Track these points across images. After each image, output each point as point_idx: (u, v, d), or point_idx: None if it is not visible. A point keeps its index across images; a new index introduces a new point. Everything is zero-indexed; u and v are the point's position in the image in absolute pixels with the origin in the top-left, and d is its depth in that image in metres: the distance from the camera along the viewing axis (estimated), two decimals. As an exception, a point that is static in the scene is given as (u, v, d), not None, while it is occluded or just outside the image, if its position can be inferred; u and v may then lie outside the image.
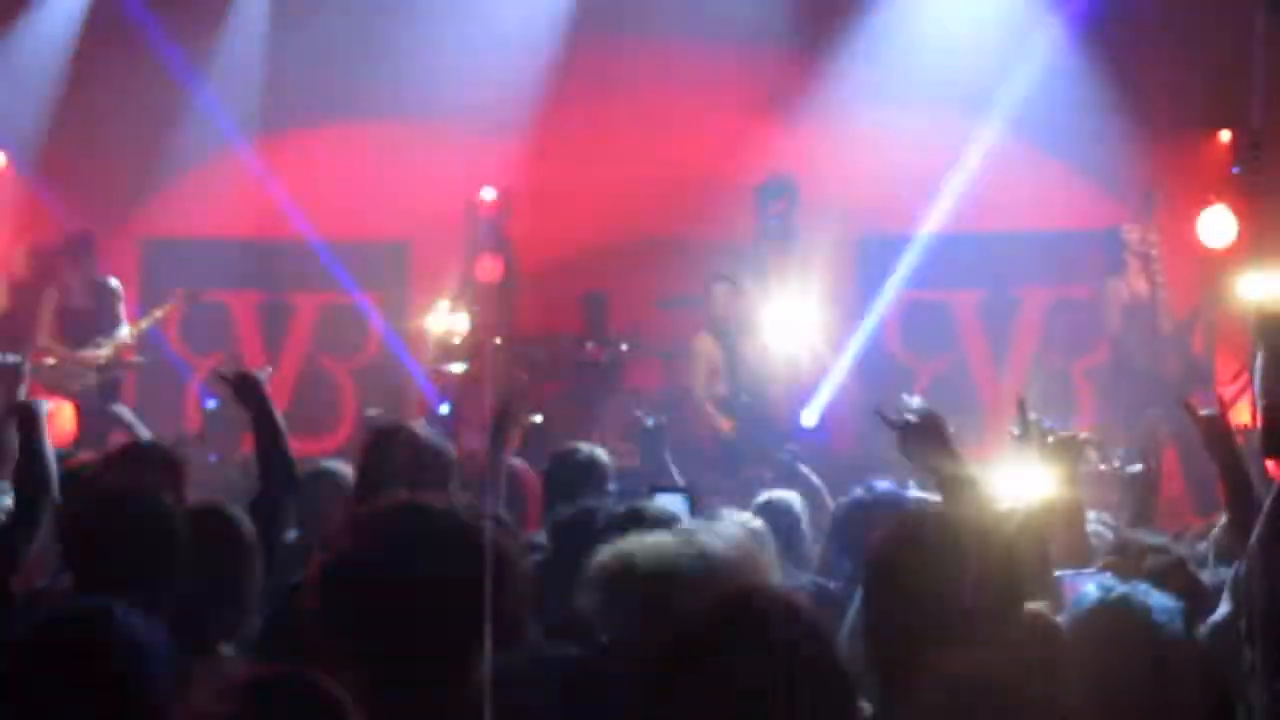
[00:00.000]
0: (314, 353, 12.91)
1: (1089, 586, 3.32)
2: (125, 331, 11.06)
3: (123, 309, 11.22)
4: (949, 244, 12.63)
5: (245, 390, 4.67)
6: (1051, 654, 2.96)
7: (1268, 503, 3.70)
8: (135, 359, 11.32)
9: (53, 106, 11.37)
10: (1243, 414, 10.64)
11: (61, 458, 5.88)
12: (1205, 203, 10.95)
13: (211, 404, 11.73)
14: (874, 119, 12.09)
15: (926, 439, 4.16)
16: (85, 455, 6.27)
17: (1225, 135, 11.08)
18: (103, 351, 10.96)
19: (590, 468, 5.59)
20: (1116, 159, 11.56)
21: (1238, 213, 10.80)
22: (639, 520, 3.87)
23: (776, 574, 4.02)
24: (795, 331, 11.64)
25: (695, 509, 4.65)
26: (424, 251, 12.98)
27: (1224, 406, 4.66)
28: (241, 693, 2.16)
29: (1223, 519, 4.84)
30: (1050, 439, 4.55)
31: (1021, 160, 11.97)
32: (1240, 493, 4.31)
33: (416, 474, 4.33)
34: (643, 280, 12.61)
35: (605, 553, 3.26)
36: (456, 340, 12.02)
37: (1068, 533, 4.34)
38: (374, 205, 12.71)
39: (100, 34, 11.74)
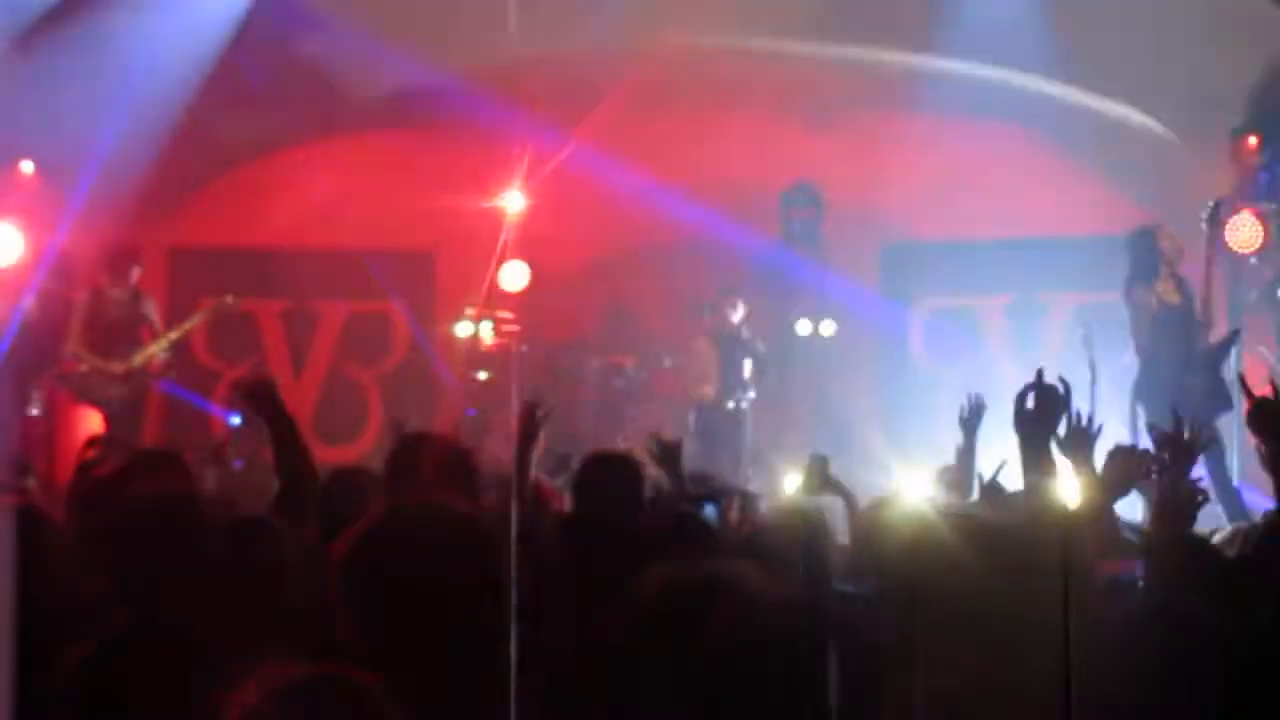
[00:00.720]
0: (339, 361, 12.95)
1: None
2: (156, 346, 11.12)
3: (155, 323, 11.29)
4: (974, 250, 12.64)
5: (258, 398, 4.58)
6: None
7: None
8: (167, 372, 11.36)
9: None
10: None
11: (87, 466, 5.92)
12: (1233, 209, 10.91)
13: (235, 420, 11.75)
14: (899, 125, 12.08)
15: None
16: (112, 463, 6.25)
17: (1253, 140, 11.02)
18: (134, 363, 11.01)
19: (623, 472, 5.56)
20: (1143, 163, 11.53)
21: (1263, 218, 10.77)
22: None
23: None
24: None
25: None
26: (449, 260, 13.01)
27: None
28: (286, 694, 2.16)
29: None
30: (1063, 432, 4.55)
31: (1048, 165, 11.95)
32: None
33: (443, 479, 4.35)
34: (668, 287, 12.63)
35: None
36: (482, 348, 12.05)
37: (1094, 526, 4.32)
38: (399, 214, 12.74)
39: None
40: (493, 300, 12.23)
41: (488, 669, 2.47)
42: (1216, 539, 4.96)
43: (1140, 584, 4.11)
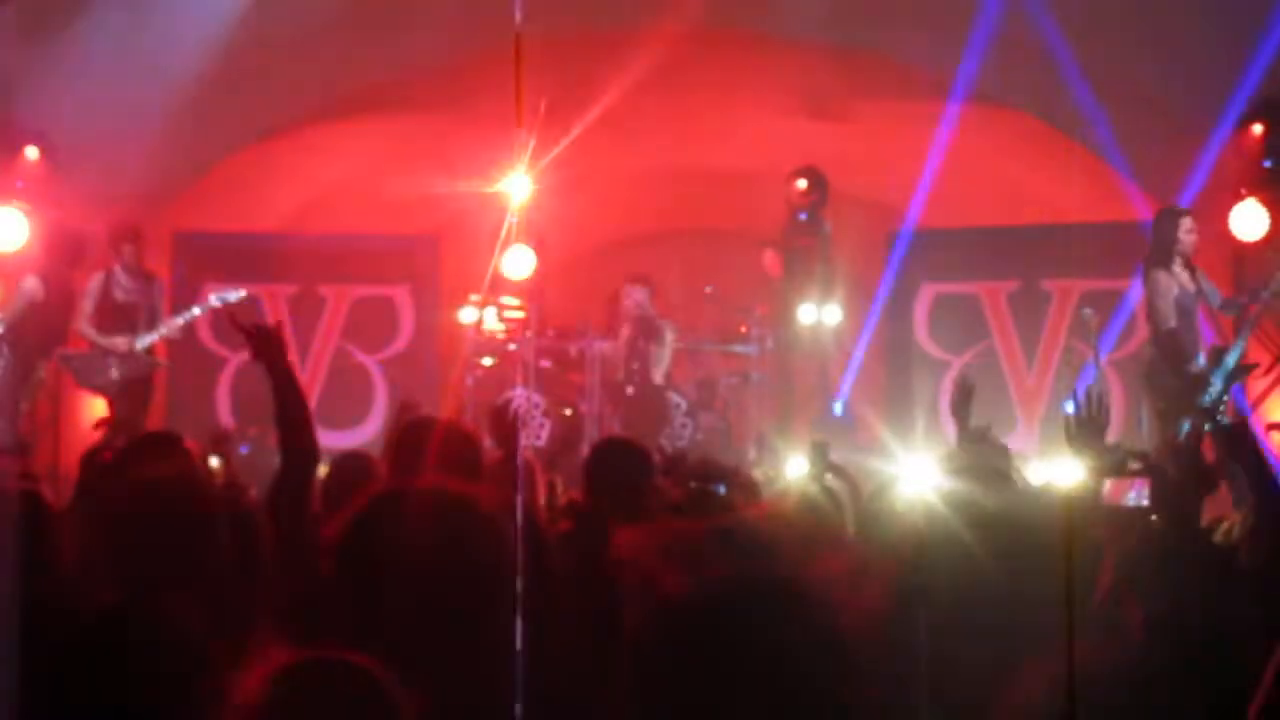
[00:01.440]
0: (344, 346, 12.95)
1: None
2: (162, 329, 11.18)
3: (163, 305, 11.37)
4: (979, 237, 12.63)
5: (263, 345, 4.22)
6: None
7: None
8: (162, 361, 11.43)
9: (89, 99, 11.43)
10: (1275, 410, 10.61)
11: (94, 451, 5.93)
12: (1238, 196, 10.90)
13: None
14: (905, 112, 12.06)
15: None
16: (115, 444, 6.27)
17: (1258, 129, 10.99)
18: (138, 344, 11.08)
19: (632, 457, 5.60)
20: (1149, 151, 11.50)
21: (1270, 206, 10.75)
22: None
23: None
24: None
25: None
26: (453, 245, 13.01)
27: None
28: (284, 677, 2.16)
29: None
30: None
31: (1053, 152, 11.92)
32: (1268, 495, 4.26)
33: (447, 463, 4.36)
34: (670, 273, 12.64)
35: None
36: (486, 333, 12.06)
37: (1096, 511, 4.35)
38: (403, 198, 12.74)
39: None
40: (498, 286, 12.24)
41: (489, 654, 2.46)
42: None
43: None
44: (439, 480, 2.75)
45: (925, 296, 12.55)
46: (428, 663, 2.39)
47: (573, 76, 12.00)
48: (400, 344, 12.88)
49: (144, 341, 11.14)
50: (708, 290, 12.62)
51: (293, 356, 4.22)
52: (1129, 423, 11.01)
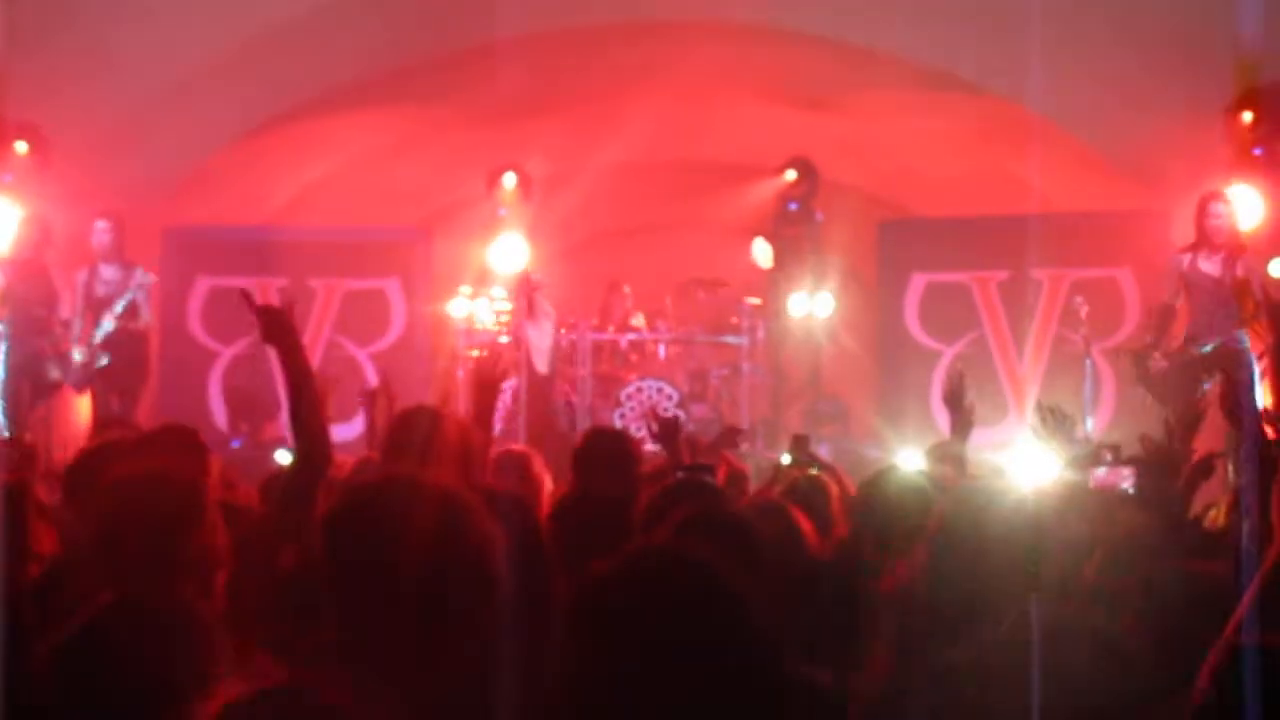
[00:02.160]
0: (335, 339, 12.94)
1: None
2: (105, 325, 10.96)
3: (145, 300, 11.23)
4: (969, 226, 12.63)
5: (273, 325, 4.07)
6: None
7: None
8: (104, 357, 11.06)
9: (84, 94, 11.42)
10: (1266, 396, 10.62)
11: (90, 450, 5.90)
12: (1227, 183, 10.90)
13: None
14: (894, 102, 12.07)
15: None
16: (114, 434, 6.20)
17: (1248, 116, 11.00)
18: (96, 332, 10.93)
19: (620, 447, 5.63)
20: (1139, 139, 11.51)
21: (1261, 193, 10.76)
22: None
23: None
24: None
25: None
26: (444, 237, 13.00)
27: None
28: (244, 708, 2.14)
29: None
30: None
31: (1044, 141, 11.92)
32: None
33: (436, 453, 4.36)
34: (662, 265, 12.65)
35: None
36: (477, 325, 12.05)
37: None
38: (395, 191, 12.73)
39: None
40: (489, 278, 12.23)
41: (478, 652, 2.46)
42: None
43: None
44: (429, 472, 2.75)
45: (916, 286, 12.55)
46: (410, 659, 2.38)
47: (563, 69, 12.02)
48: (391, 337, 12.87)
49: (97, 335, 10.92)
50: (698, 281, 12.62)
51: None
52: (1123, 410, 11.04)
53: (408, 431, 4.63)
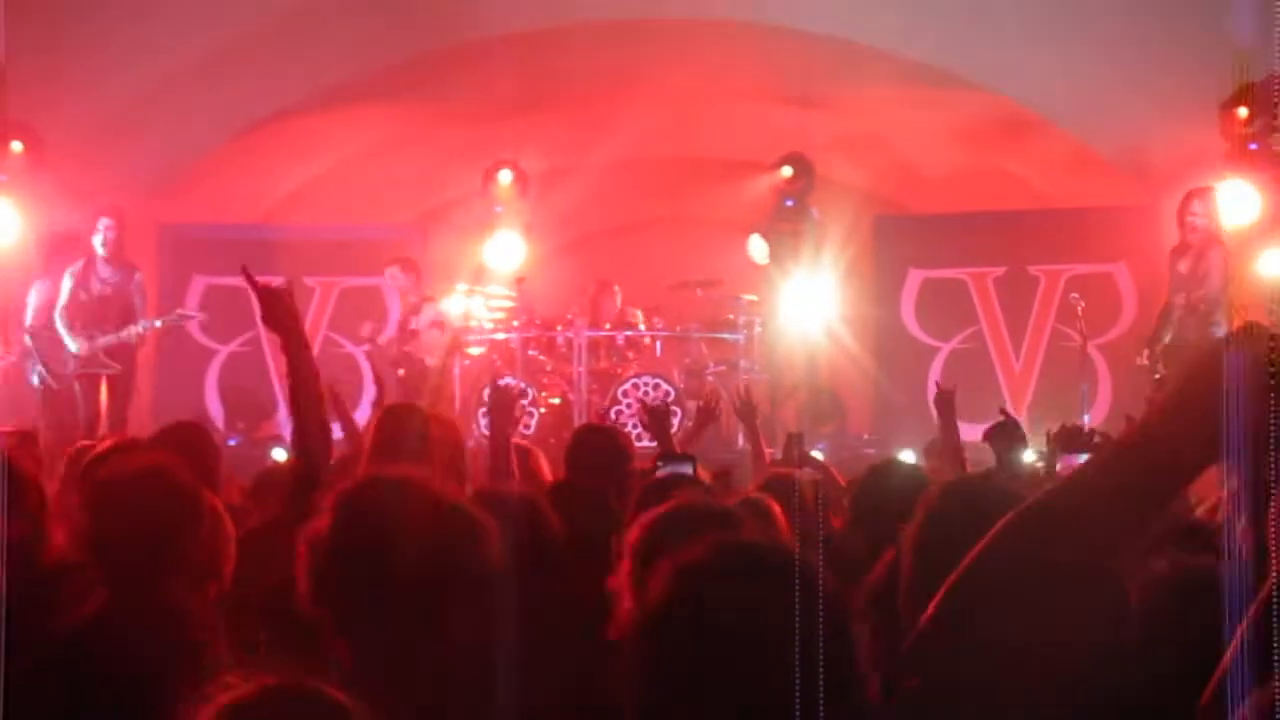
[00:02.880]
0: (331, 336, 12.94)
1: None
2: (135, 329, 10.86)
3: (143, 299, 11.08)
4: (966, 222, 12.64)
5: (274, 306, 3.95)
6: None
7: None
8: (114, 365, 10.85)
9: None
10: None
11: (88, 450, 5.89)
12: (1222, 179, 10.90)
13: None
14: (890, 98, 12.06)
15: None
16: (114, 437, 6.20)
17: (1243, 112, 10.99)
18: (97, 344, 10.79)
19: (612, 442, 5.63)
20: (1134, 135, 11.51)
21: (1257, 188, 10.75)
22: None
23: None
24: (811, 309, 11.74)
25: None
26: (440, 234, 13.00)
27: None
28: (244, 708, 2.14)
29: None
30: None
31: (1040, 137, 11.93)
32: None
33: (427, 451, 4.36)
34: (658, 261, 12.63)
35: None
36: (473, 323, 12.04)
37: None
38: (391, 188, 12.71)
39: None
40: (484, 275, 12.22)
41: (478, 651, 2.45)
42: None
43: None
44: (416, 470, 2.74)
45: (913, 282, 12.56)
46: (410, 658, 2.38)
47: (558, 66, 12.00)
48: (388, 334, 12.86)
49: (101, 343, 10.76)
50: (691, 283, 12.61)
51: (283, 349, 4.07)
52: (1119, 405, 11.04)
53: (394, 430, 4.62)
